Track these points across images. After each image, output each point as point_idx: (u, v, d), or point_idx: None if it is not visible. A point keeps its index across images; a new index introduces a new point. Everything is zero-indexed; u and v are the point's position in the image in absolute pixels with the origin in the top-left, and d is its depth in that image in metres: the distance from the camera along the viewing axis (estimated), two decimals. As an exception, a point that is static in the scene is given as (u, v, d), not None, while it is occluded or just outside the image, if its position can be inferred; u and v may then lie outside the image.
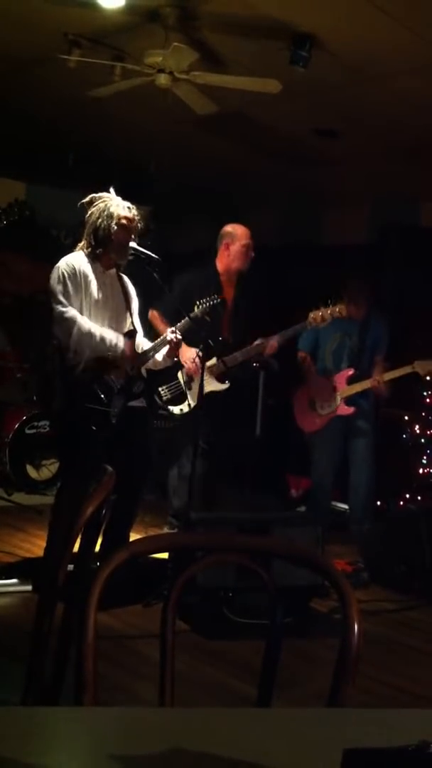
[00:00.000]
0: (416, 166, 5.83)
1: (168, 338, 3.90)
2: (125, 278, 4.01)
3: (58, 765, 0.92)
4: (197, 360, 4.21)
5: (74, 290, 3.75)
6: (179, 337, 3.91)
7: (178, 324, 4.02)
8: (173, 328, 3.94)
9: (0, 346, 6.30)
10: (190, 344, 4.20)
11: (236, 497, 6.05)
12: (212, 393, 4.31)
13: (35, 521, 5.13)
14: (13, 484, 5.79)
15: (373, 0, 3.60)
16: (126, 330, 3.94)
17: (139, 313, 4.11)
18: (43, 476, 5.86)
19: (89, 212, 3.82)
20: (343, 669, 1.23)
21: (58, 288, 3.75)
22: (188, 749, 0.95)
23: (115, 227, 3.77)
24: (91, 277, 3.82)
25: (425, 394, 5.73)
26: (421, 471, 5.63)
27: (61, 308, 3.74)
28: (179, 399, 4.44)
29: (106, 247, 3.81)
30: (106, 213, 3.78)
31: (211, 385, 4.32)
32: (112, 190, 3.87)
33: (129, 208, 3.84)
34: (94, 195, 3.85)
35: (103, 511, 1.56)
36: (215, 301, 4.15)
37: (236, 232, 4.55)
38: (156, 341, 3.98)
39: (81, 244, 3.88)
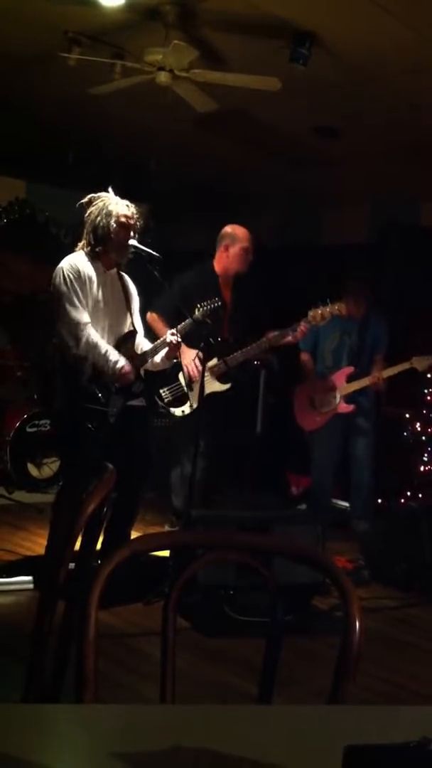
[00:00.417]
0: (416, 166, 5.82)
1: (168, 340, 3.90)
2: (126, 277, 4.01)
3: (59, 763, 0.92)
4: (197, 361, 4.21)
5: (80, 291, 3.75)
6: (179, 339, 3.91)
7: (179, 326, 4.01)
8: (173, 330, 3.93)
9: (0, 344, 6.31)
10: (189, 346, 4.20)
11: (237, 495, 6.06)
12: (213, 394, 4.29)
13: (36, 519, 5.13)
14: (14, 483, 5.80)
15: (373, -2, 3.60)
16: (127, 330, 3.94)
17: (139, 312, 4.11)
18: (44, 475, 5.87)
19: (88, 212, 3.82)
20: (343, 666, 1.23)
21: (65, 291, 3.72)
22: (189, 747, 0.95)
23: (115, 225, 3.77)
24: (93, 277, 3.81)
25: (426, 392, 5.73)
26: (421, 469, 5.63)
27: (69, 312, 3.72)
28: (181, 400, 4.43)
29: (106, 246, 3.81)
30: (105, 212, 3.77)
31: (213, 386, 4.31)
32: (110, 189, 3.87)
33: (128, 206, 3.84)
34: (92, 195, 3.85)
35: (104, 510, 1.56)
36: (216, 305, 4.12)
37: (236, 234, 4.53)
38: (156, 342, 3.98)
39: (81, 244, 3.88)
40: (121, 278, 3.97)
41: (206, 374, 4.09)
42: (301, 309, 4.68)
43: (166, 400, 4.44)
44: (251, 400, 6.40)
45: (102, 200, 3.81)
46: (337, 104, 4.91)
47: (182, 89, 4.24)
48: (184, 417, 4.41)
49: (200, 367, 4.07)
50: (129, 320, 3.96)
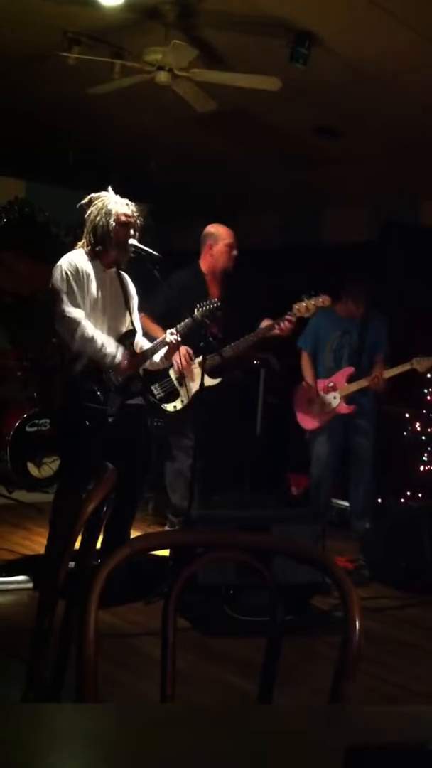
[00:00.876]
0: (416, 166, 5.82)
1: (168, 339, 3.90)
2: (125, 276, 4.01)
3: (59, 762, 0.92)
4: (186, 357, 4.24)
5: (78, 289, 3.75)
6: (178, 338, 3.92)
7: (178, 326, 4.02)
8: (172, 330, 3.94)
9: (0, 344, 6.31)
10: (185, 344, 4.21)
11: (237, 495, 6.06)
12: (204, 388, 4.28)
13: (36, 519, 5.13)
14: (14, 482, 5.80)
15: (373, -3, 3.60)
16: (126, 329, 3.94)
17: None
18: (44, 474, 5.87)
19: (88, 212, 3.82)
20: (344, 666, 1.23)
21: (63, 288, 3.74)
22: (189, 746, 0.95)
23: (115, 224, 3.77)
24: (92, 275, 3.81)
25: (426, 391, 5.73)
26: (421, 468, 5.63)
27: (66, 308, 3.73)
28: (172, 396, 4.48)
29: (106, 245, 3.81)
30: (104, 211, 3.78)
31: (204, 381, 4.28)
32: (110, 189, 3.87)
33: (128, 205, 3.84)
34: (92, 195, 3.85)
35: (104, 509, 1.56)
36: (215, 305, 4.15)
37: (218, 233, 4.61)
38: (155, 342, 3.98)
39: (80, 243, 3.88)
40: (120, 277, 3.97)
41: (196, 369, 4.12)
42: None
43: (158, 397, 4.46)
44: (251, 400, 6.40)
45: (102, 200, 3.81)
46: (337, 104, 4.91)
47: (182, 89, 4.24)
48: (177, 412, 4.48)
49: (189, 361, 4.08)
50: (128, 319, 3.96)
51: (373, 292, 4.99)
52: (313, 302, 4.31)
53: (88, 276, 3.79)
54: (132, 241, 3.81)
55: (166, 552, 3.83)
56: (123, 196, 3.93)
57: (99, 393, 3.74)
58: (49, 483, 5.83)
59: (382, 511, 5.27)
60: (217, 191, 7.14)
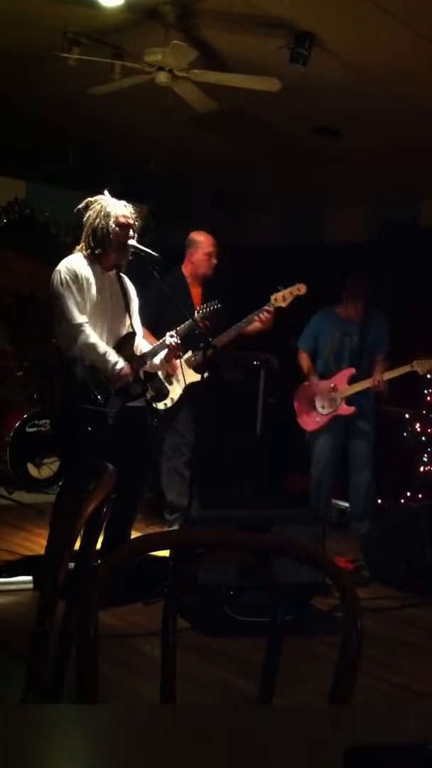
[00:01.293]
0: (416, 166, 5.83)
1: (167, 342, 3.92)
2: (125, 279, 4.01)
3: (59, 763, 0.92)
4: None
5: (77, 293, 3.75)
6: (178, 341, 3.94)
7: (178, 328, 4.08)
8: (172, 333, 3.97)
9: (0, 344, 6.30)
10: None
11: (237, 495, 6.06)
12: (191, 384, 4.51)
13: (36, 520, 5.13)
14: (13, 483, 5.79)
15: (373, -2, 3.60)
16: (125, 332, 3.94)
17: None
18: (43, 475, 5.86)
19: (86, 215, 3.82)
20: (344, 666, 1.23)
21: (64, 293, 3.73)
22: (189, 747, 0.95)
23: (114, 226, 3.77)
24: (91, 279, 3.81)
25: (426, 392, 5.73)
26: (421, 469, 5.63)
27: (66, 313, 3.72)
28: (162, 395, 4.61)
29: (106, 247, 3.81)
30: (103, 213, 3.78)
31: (190, 376, 4.50)
32: (106, 192, 3.88)
33: (126, 206, 3.85)
34: (89, 198, 3.85)
35: (104, 509, 1.56)
36: (215, 307, 4.31)
37: (199, 241, 4.82)
38: (155, 345, 3.99)
39: (79, 247, 3.88)
40: (120, 280, 3.97)
41: (182, 366, 4.28)
42: (300, 308, 4.69)
43: (149, 396, 4.50)
44: (251, 400, 6.41)
45: (99, 203, 3.82)
46: (337, 104, 4.91)
47: (182, 89, 4.24)
48: (167, 410, 4.64)
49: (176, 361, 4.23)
50: (128, 322, 3.96)
51: (374, 293, 5.00)
52: (289, 291, 4.45)
53: (87, 279, 3.79)
54: (131, 242, 3.82)
55: (166, 552, 3.83)
56: (123, 196, 3.93)
57: (99, 395, 3.74)
58: (49, 484, 5.83)
59: (382, 511, 5.27)
60: (217, 191, 7.15)
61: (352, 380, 4.77)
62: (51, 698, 1.47)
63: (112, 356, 3.78)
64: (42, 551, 3.95)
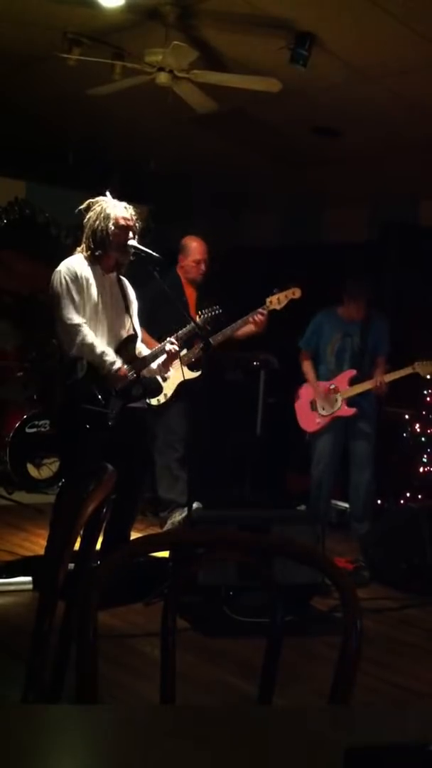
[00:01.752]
0: (416, 166, 5.83)
1: (167, 348, 3.93)
2: (125, 281, 4.02)
3: (59, 763, 0.92)
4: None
5: (77, 294, 3.75)
6: (177, 348, 3.96)
7: (179, 332, 4.15)
8: (172, 339, 3.99)
9: (0, 344, 6.30)
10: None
11: (237, 495, 6.06)
12: (185, 381, 4.60)
13: (36, 520, 5.13)
14: (13, 483, 5.79)
15: (373, -2, 3.60)
16: (126, 334, 3.95)
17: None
18: (43, 475, 5.86)
19: (87, 217, 3.83)
20: (344, 667, 1.23)
21: (63, 293, 3.74)
22: (189, 747, 0.95)
23: (114, 228, 3.77)
24: (92, 280, 3.82)
25: (426, 393, 5.73)
26: (421, 470, 5.63)
27: (65, 314, 3.73)
28: (155, 391, 4.67)
29: (106, 249, 3.81)
30: (103, 215, 3.78)
31: (184, 374, 4.54)
32: (108, 193, 3.88)
33: (126, 208, 3.85)
34: (90, 200, 3.86)
35: (104, 510, 1.56)
36: (216, 312, 4.44)
37: (189, 248, 4.94)
38: (155, 349, 4.00)
39: (79, 248, 3.88)
40: (120, 282, 3.98)
41: (176, 364, 4.28)
42: (300, 308, 4.69)
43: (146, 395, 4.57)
44: (251, 400, 6.41)
45: (100, 204, 3.82)
46: (337, 104, 4.91)
47: (182, 90, 4.24)
48: (160, 406, 4.72)
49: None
50: (128, 324, 3.97)
51: (374, 294, 5.00)
52: (284, 294, 4.52)
53: (87, 281, 3.79)
54: (132, 242, 3.82)
55: (165, 553, 3.83)
56: (123, 196, 3.93)
57: (100, 396, 3.74)
58: (49, 484, 5.83)
59: (382, 512, 5.27)
60: (218, 191, 7.14)
61: (353, 381, 4.77)
62: (51, 699, 1.47)
63: (110, 356, 3.78)
64: (42, 552, 3.95)
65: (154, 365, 4.00)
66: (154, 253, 3.86)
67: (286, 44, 4.03)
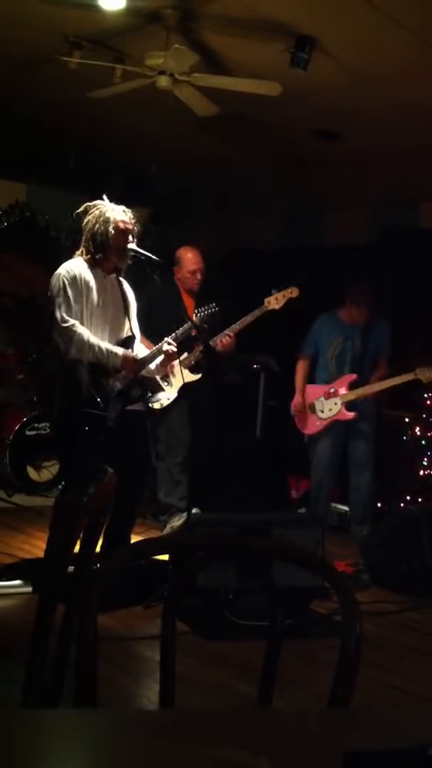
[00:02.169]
0: (416, 168, 5.83)
1: (164, 349, 3.94)
2: (124, 283, 4.02)
3: (58, 767, 0.92)
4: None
5: (75, 297, 3.76)
6: (175, 348, 3.97)
7: (177, 332, 4.16)
8: (169, 339, 4.00)
9: (0, 347, 6.30)
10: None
11: (236, 498, 6.06)
12: (187, 384, 4.68)
13: (36, 523, 5.13)
14: (13, 486, 5.79)
15: (373, 2, 3.60)
16: (125, 335, 3.95)
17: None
18: (43, 478, 5.86)
19: (85, 220, 3.83)
20: (343, 670, 1.23)
21: (60, 296, 3.75)
22: (189, 750, 0.95)
23: (113, 231, 3.78)
24: (92, 282, 3.82)
25: (426, 396, 5.73)
26: (421, 473, 5.63)
27: (62, 316, 3.74)
28: (158, 394, 4.73)
29: (106, 253, 3.82)
30: (102, 219, 3.79)
31: (186, 377, 4.63)
32: (105, 197, 3.89)
33: (125, 211, 3.86)
34: (88, 204, 3.87)
35: (104, 513, 1.56)
36: (213, 310, 4.48)
37: (184, 259, 5.02)
38: (152, 350, 4.01)
39: (79, 251, 3.89)
40: (119, 283, 3.98)
41: (177, 367, 4.34)
42: (301, 311, 4.70)
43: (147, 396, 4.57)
44: (251, 403, 6.41)
45: (98, 208, 3.83)
46: (337, 108, 4.92)
47: (183, 93, 4.25)
48: (162, 409, 4.77)
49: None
50: (128, 325, 3.98)
51: (375, 297, 5.00)
52: (282, 294, 4.58)
53: (86, 283, 3.80)
54: (132, 246, 3.83)
55: (165, 556, 3.83)
56: (124, 199, 3.94)
57: (99, 399, 3.75)
58: (49, 487, 5.83)
59: (382, 515, 5.26)
60: (218, 194, 7.15)
61: (354, 386, 4.77)
62: (50, 702, 1.47)
63: (110, 348, 3.79)
64: (42, 554, 3.95)
65: (152, 366, 4.00)
66: (154, 257, 3.86)
67: (287, 47, 4.04)
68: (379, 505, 5.27)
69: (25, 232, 6.92)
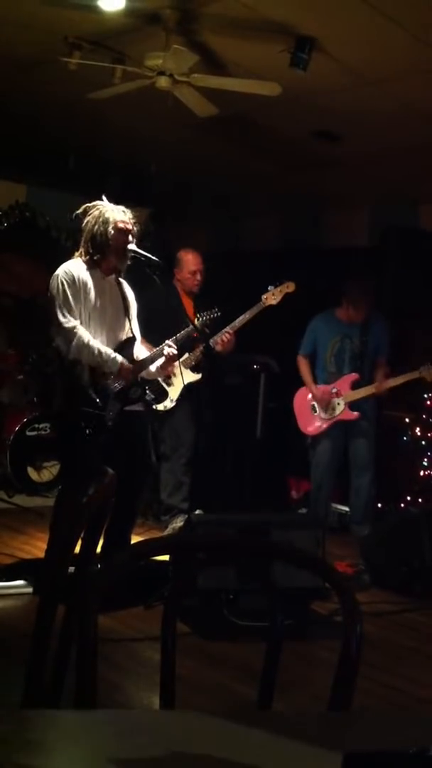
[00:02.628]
0: (416, 169, 5.83)
1: (165, 351, 3.95)
2: (124, 283, 4.02)
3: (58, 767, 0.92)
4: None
5: (74, 298, 3.76)
6: (175, 351, 3.98)
7: (178, 335, 4.20)
8: (170, 342, 4.01)
9: (0, 347, 6.30)
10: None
11: (236, 499, 6.06)
12: (188, 384, 4.71)
13: (36, 523, 5.13)
14: (14, 486, 5.79)
15: (372, 3, 3.60)
16: (125, 336, 3.95)
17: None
18: (44, 478, 5.86)
19: (85, 221, 3.83)
20: (343, 671, 1.23)
21: (59, 296, 3.76)
22: (189, 752, 0.94)
23: (113, 232, 3.78)
24: (90, 283, 3.82)
25: (426, 396, 5.73)
26: (421, 473, 5.62)
27: (62, 317, 3.75)
28: (161, 396, 4.74)
29: (105, 253, 3.82)
30: (101, 219, 3.79)
31: (186, 377, 4.67)
32: (104, 197, 3.89)
33: (124, 212, 3.86)
34: (87, 204, 3.87)
35: (105, 513, 1.56)
36: (215, 315, 4.53)
37: (184, 260, 5.03)
38: (153, 352, 4.01)
39: (78, 252, 3.89)
40: (119, 284, 3.98)
41: (179, 367, 4.38)
42: (301, 312, 4.70)
43: (149, 399, 4.55)
44: (251, 404, 6.41)
45: (97, 209, 3.82)
46: (337, 108, 4.92)
47: (182, 94, 4.25)
48: (167, 411, 4.79)
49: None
50: (127, 326, 3.98)
51: (374, 296, 5.00)
52: (279, 289, 4.60)
53: (85, 284, 3.80)
54: (131, 246, 3.83)
55: (166, 556, 3.82)
56: (124, 199, 3.94)
57: (98, 399, 3.75)
58: (49, 487, 5.82)
59: (383, 515, 5.26)
60: (217, 195, 7.15)
61: (355, 385, 4.77)
62: (50, 702, 1.46)
63: (109, 354, 3.79)
64: (42, 555, 3.95)
65: (152, 368, 4.01)
66: (153, 257, 3.86)
67: (287, 48, 4.04)
68: (379, 505, 5.27)
69: (26, 233, 6.92)
